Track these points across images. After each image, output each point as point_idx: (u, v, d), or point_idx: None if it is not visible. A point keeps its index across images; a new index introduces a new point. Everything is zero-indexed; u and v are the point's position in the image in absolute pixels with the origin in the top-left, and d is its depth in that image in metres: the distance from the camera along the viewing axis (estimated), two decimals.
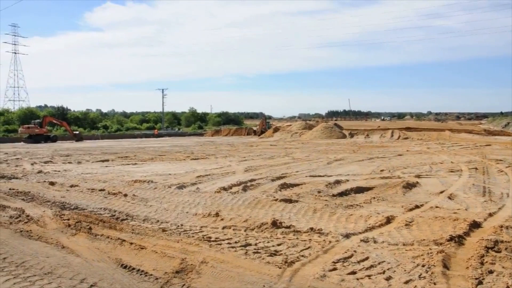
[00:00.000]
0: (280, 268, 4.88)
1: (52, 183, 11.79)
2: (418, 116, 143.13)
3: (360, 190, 10.34)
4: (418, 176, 12.59)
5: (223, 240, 6.07)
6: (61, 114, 67.53)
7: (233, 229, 6.66)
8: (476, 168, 14.46)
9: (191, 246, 5.77)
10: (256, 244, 5.85)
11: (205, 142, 39.54)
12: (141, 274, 4.78)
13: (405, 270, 4.79)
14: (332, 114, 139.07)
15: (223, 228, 6.76)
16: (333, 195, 9.59)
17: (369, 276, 4.64)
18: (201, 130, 71.90)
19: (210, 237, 6.20)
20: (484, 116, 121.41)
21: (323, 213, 7.71)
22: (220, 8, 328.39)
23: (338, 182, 11.45)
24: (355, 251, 5.44)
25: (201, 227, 6.86)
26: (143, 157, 21.33)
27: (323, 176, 12.94)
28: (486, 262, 4.96)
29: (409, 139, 36.46)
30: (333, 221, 7.15)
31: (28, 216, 7.69)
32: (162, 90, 79.38)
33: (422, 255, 5.25)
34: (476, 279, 4.46)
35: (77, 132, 50.06)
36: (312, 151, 24.14)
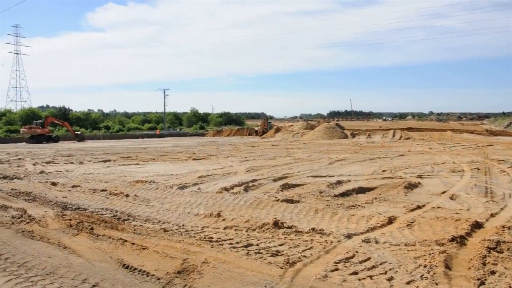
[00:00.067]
0: (281, 268, 4.88)
1: (54, 184, 11.82)
2: (420, 116, 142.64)
3: (361, 190, 10.33)
4: (420, 177, 12.58)
5: (225, 240, 6.07)
6: (63, 114, 67.77)
7: (235, 230, 6.66)
8: (478, 169, 14.43)
9: (193, 246, 5.77)
10: (257, 245, 5.85)
11: (207, 142, 39.57)
12: (142, 275, 4.78)
13: (407, 271, 4.78)
14: (334, 115, 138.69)
15: (225, 228, 6.76)
16: (335, 196, 9.59)
17: (371, 276, 4.64)
18: (203, 130, 71.89)
19: (211, 238, 6.20)
20: (486, 116, 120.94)
21: (324, 214, 7.71)
22: (221, 9, 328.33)
23: (339, 182, 11.44)
24: (356, 252, 5.43)
25: (203, 227, 6.87)
26: (145, 157, 21.37)
27: (324, 176, 12.93)
28: (488, 262, 4.95)
29: (411, 140, 36.42)
30: (335, 221, 7.15)
31: (30, 216, 7.71)
32: (164, 90, 79.77)
33: (424, 255, 5.24)
34: (478, 279, 4.45)
35: (79, 133, 50.23)
36: (313, 152, 24.14)
